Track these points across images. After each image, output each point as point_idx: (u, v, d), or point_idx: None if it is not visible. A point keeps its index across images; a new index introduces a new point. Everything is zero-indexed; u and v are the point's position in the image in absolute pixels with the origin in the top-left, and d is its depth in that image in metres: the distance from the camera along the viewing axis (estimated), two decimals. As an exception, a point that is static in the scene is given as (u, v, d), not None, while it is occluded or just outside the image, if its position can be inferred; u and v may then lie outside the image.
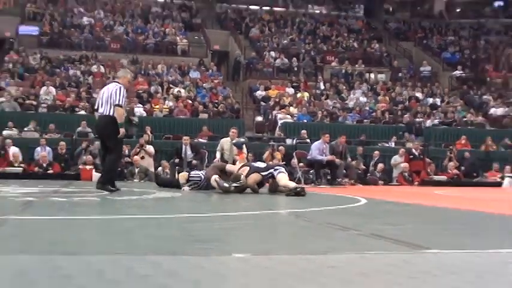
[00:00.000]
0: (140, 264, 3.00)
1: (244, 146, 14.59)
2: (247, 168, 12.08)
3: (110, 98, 10.91)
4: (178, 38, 34.78)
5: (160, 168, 19.69)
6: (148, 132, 21.97)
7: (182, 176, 13.09)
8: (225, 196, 10.76)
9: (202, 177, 12.59)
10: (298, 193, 10.84)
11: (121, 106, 10.97)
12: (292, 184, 11.48)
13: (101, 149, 12.11)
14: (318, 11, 42.29)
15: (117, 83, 11.31)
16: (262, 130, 25.95)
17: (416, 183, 21.26)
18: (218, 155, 16.99)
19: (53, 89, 26.03)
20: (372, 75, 33.75)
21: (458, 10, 47.07)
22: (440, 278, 2.82)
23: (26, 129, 22.01)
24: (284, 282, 2.64)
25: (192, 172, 13.27)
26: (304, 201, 9.53)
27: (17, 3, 37.67)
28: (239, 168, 12.09)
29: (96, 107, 11.40)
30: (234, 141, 16.00)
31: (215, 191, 11.85)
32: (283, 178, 11.60)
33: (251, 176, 11.70)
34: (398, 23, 42.87)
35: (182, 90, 27.64)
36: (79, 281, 2.57)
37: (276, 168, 11.94)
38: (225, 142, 16.91)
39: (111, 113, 10.88)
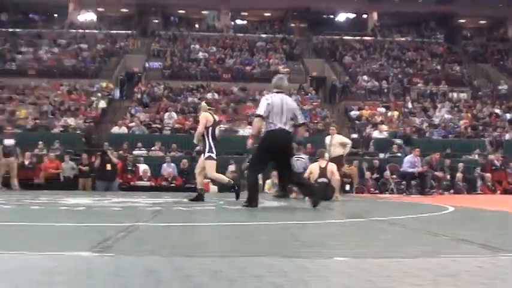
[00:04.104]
0: (253, 265, 3.01)
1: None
2: None
3: (289, 112, 9.00)
4: (280, 67, 34.93)
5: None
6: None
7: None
8: (327, 205, 10.69)
9: None
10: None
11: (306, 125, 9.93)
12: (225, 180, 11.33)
13: (261, 162, 9.61)
14: (403, 39, 41.67)
15: (284, 94, 9.38)
16: (357, 146, 25.68)
17: (498, 192, 20.52)
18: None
19: (174, 114, 26.62)
20: (455, 94, 32.89)
21: (531, 33, 45.46)
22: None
23: (152, 148, 22.57)
24: (380, 283, 2.59)
25: None
26: (397, 210, 9.34)
27: (144, 43, 38.93)
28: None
29: (263, 114, 8.99)
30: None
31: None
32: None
33: None
34: (476, 47, 41.71)
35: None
36: (199, 279, 2.59)
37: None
38: (327, 138, 16.28)
39: (290, 129, 9.16)
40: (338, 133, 15.91)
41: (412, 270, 2.92)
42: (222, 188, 19.44)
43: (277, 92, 9.14)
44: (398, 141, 23.28)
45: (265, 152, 9.11)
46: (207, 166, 10.95)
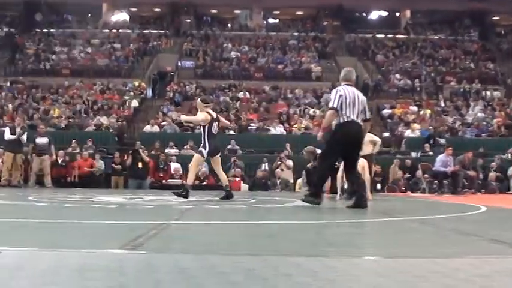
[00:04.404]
0: (285, 264, 3.01)
1: None
2: None
3: (361, 105, 8.72)
4: (312, 65, 34.88)
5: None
6: (288, 148, 22.05)
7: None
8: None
9: None
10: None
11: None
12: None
13: (333, 156, 9.09)
14: (436, 37, 41.25)
15: (354, 88, 8.99)
16: (389, 145, 25.52)
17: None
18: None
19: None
20: (488, 93, 32.45)
21: None
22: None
23: (185, 147, 22.67)
24: (412, 283, 2.57)
25: None
26: (429, 209, 9.26)
27: (176, 42, 39.13)
28: None
29: (337, 107, 8.55)
30: None
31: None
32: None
33: None
34: (510, 44, 41.03)
35: (317, 111, 27.63)
36: (232, 277, 2.60)
37: None
38: None
39: (361, 123, 8.77)
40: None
41: (445, 271, 2.89)
42: (253, 186, 19.53)
43: (347, 85, 8.80)
44: (443, 141, 23.05)
45: (338, 145, 8.73)
46: (194, 158, 11.18)
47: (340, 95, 8.53)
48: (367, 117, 8.99)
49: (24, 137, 18.16)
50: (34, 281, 2.51)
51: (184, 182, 11.20)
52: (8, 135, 18.21)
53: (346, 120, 8.52)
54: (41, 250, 3.46)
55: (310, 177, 14.36)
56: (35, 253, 3.35)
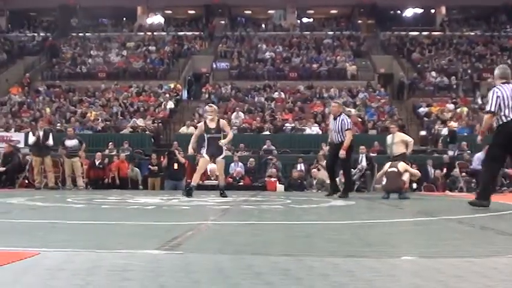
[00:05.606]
0: (320, 265, 3.00)
1: None
2: None
3: None
4: (347, 64, 34.71)
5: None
6: (324, 147, 21.95)
7: None
8: (391, 204, 10.55)
9: None
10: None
11: None
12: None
13: (497, 159, 8.60)
14: (472, 33, 40.70)
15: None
16: (426, 143, 25.27)
17: None
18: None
19: (241, 114, 26.80)
20: (526, 89, 31.86)
21: None
22: None
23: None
24: (452, 283, 2.54)
25: None
26: (466, 208, 9.13)
27: (211, 44, 39.32)
28: None
29: (495, 110, 8.30)
30: None
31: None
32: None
33: None
34: (547, 39, 40.35)
35: (353, 110, 27.47)
36: (268, 278, 2.60)
37: None
38: (388, 138, 15.95)
39: None
40: (399, 131, 15.70)
41: (483, 270, 2.86)
42: (289, 186, 19.51)
43: (503, 83, 8.51)
44: None
45: (501, 147, 8.39)
46: (213, 163, 12.66)
47: (498, 96, 8.30)
48: None
49: (50, 141, 18.07)
50: (73, 281, 2.55)
51: (220, 183, 12.16)
52: (30, 139, 18.37)
53: (506, 120, 8.26)
54: (80, 251, 3.51)
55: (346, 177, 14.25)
56: (73, 254, 3.39)
